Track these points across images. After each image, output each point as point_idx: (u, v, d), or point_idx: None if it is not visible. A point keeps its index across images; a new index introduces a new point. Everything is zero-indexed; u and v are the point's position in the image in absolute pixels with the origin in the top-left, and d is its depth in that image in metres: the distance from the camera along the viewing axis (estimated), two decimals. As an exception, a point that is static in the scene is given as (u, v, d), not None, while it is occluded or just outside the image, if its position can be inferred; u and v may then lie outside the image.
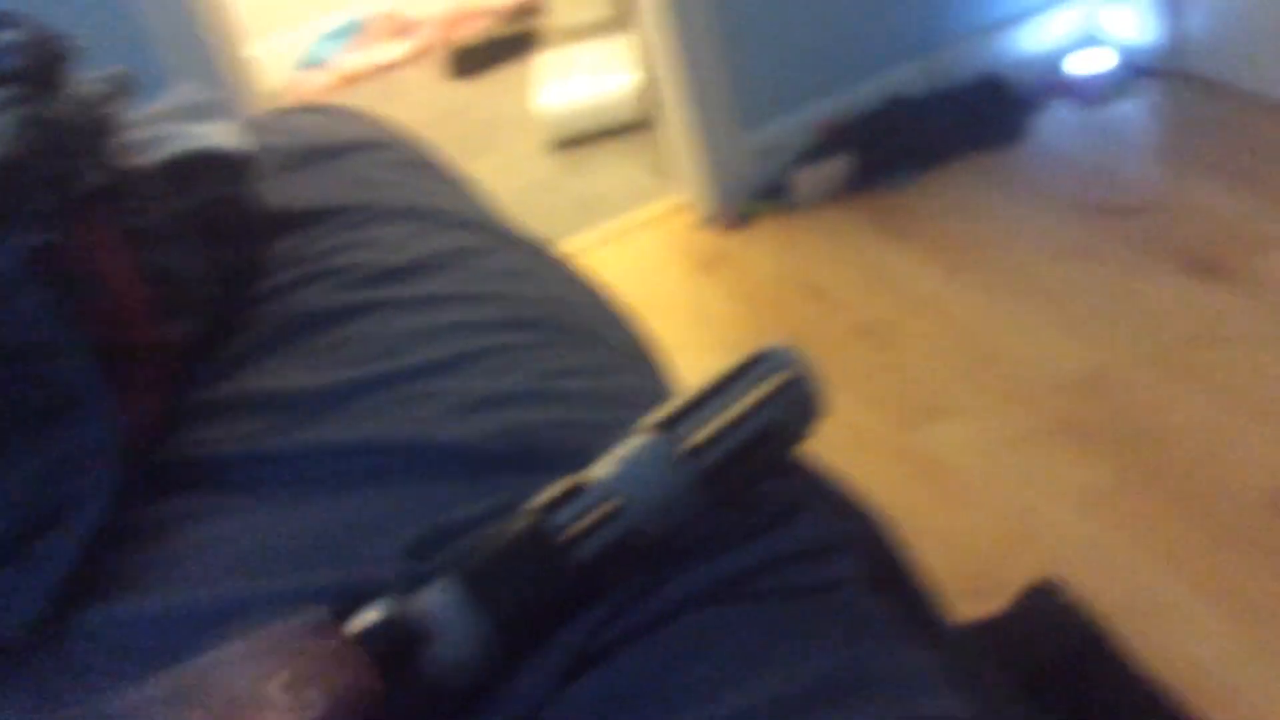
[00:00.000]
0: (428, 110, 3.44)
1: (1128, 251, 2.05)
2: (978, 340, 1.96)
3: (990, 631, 1.34)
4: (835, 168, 2.44)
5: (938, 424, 1.81)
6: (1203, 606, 1.41)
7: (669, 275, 2.40)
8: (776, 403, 0.62)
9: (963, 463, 1.73)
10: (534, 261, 0.96)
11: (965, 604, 1.47)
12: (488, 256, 0.92)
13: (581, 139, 2.97)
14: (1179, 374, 1.76)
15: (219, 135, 1.00)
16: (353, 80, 3.77)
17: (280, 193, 1.03)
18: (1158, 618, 1.42)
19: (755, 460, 0.62)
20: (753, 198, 2.49)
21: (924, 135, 2.44)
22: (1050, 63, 2.59)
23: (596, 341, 0.84)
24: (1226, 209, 2.07)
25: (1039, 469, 1.68)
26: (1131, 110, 2.46)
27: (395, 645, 0.51)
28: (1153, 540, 1.52)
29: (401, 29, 3.89)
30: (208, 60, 2.04)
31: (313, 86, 3.76)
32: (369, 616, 0.53)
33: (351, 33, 3.93)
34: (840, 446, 1.82)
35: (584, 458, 0.62)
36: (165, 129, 0.99)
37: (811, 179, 2.45)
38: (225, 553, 0.69)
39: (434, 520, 0.63)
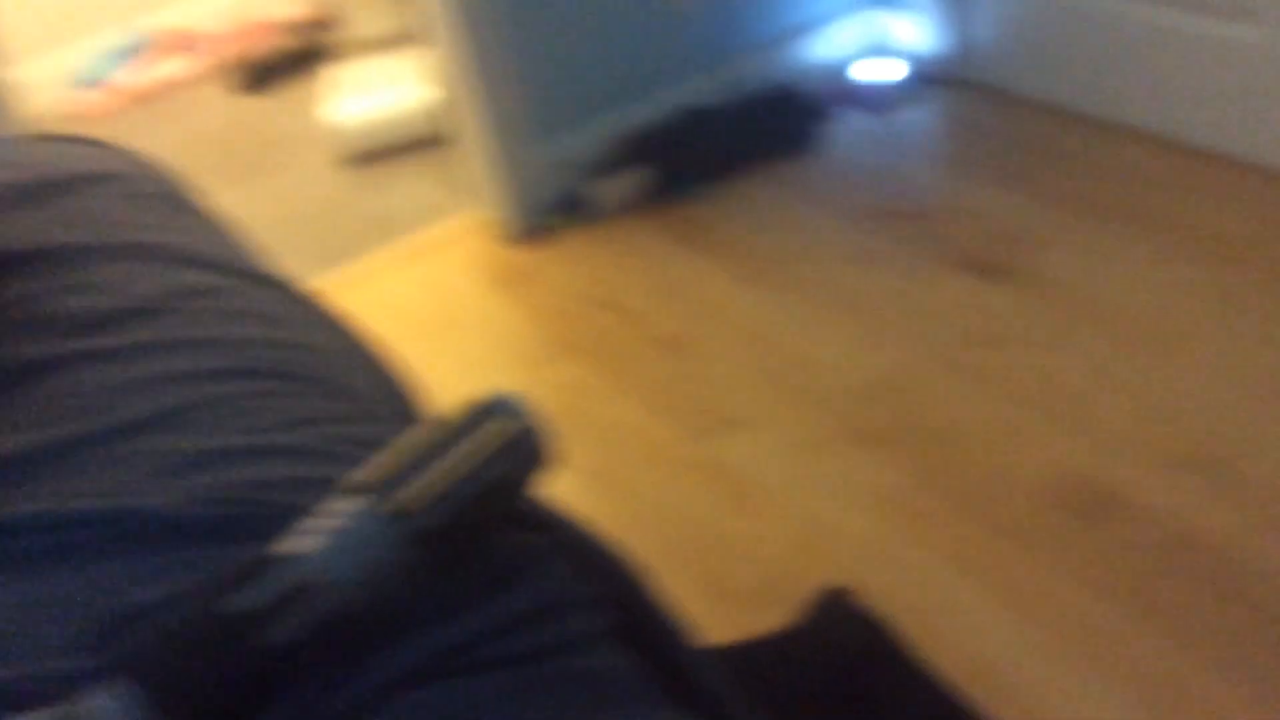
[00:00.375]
0: (215, 127, 3.30)
1: (915, 255, 2.09)
2: (773, 348, 1.97)
3: (784, 641, 1.34)
4: (632, 180, 2.43)
5: (734, 433, 1.81)
6: (988, 603, 1.44)
7: (467, 292, 2.34)
8: (500, 456, 0.58)
9: (759, 471, 1.73)
10: (272, 301, 0.89)
11: (763, 613, 1.47)
12: (215, 297, 0.85)
13: (375, 155, 2.89)
14: (965, 374, 1.80)
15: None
16: (134, 98, 3.58)
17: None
18: (947, 616, 1.44)
19: (478, 519, 0.58)
20: (551, 212, 2.46)
21: (718, 146, 2.45)
22: (840, 72, 2.64)
23: (336, 389, 0.79)
24: (1005, 212, 2.14)
25: (833, 474, 1.69)
26: (919, 118, 2.52)
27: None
28: (942, 540, 1.54)
29: (187, 44, 3.72)
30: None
31: (91, 106, 3.56)
32: (22, 728, 0.46)
33: (134, 49, 3.74)
34: (638, 459, 1.81)
35: (295, 521, 0.57)
36: None
37: (608, 191, 2.43)
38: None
39: (112, 604, 0.56)
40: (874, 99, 2.55)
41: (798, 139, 2.48)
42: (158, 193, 1.06)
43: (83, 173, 1.09)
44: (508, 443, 0.59)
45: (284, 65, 3.48)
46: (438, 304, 2.33)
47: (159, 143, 3.23)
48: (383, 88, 2.89)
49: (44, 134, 1.28)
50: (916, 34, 2.58)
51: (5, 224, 0.99)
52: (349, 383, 0.81)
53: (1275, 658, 1.31)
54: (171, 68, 3.63)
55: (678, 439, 1.82)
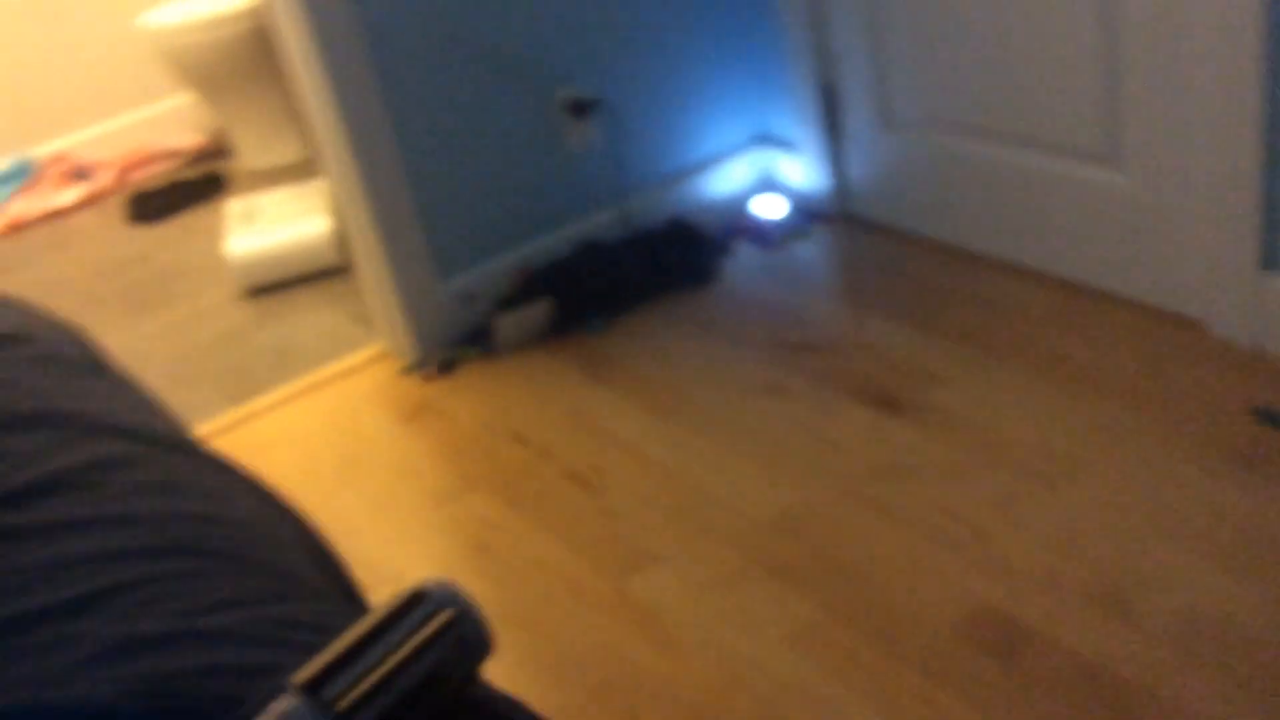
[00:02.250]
0: (105, 259, 3.25)
1: (815, 389, 2.14)
2: (680, 483, 1.98)
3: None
4: (534, 313, 2.45)
5: (649, 570, 1.81)
6: (905, 745, 1.44)
7: (372, 426, 2.32)
8: (438, 646, 0.58)
9: (673, 609, 1.72)
10: (190, 469, 0.87)
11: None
12: (132, 469, 0.83)
13: (275, 286, 2.87)
14: (870, 507, 1.83)
15: None
16: (20, 227, 3.52)
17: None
18: (865, 760, 1.44)
19: (418, 713, 0.57)
20: (454, 344, 2.46)
21: (618, 279, 2.49)
22: (734, 207, 2.71)
23: (254, 565, 0.77)
24: (899, 346, 2.21)
25: (748, 609, 1.69)
26: (808, 252, 2.60)
27: None
28: (858, 676, 1.55)
29: (76, 172, 3.68)
30: None
31: (-26, 235, 3.49)
32: None
33: (20, 176, 3.68)
34: (553, 598, 1.79)
35: (232, 712, 0.55)
36: None
37: (511, 325, 2.44)
38: None
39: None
40: (767, 234, 2.63)
41: (697, 272, 2.53)
42: (63, 356, 1.03)
43: (-13, 331, 1.06)
44: (443, 631, 0.59)
45: (179, 195, 3.46)
46: (342, 438, 2.30)
47: (51, 274, 3.17)
48: (281, 219, 2.89)
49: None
50: (802, 173, 2.67)
51: (-97, 386, 0.96)
52: (276, 556, 0.79)
53: (1183, 790, 1.33)
54: (63, 197, 3.58)
55: (593, 576, 1.81)
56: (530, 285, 2.49)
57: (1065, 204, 2.21)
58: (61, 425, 0.87)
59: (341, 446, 2.28)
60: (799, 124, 2.63)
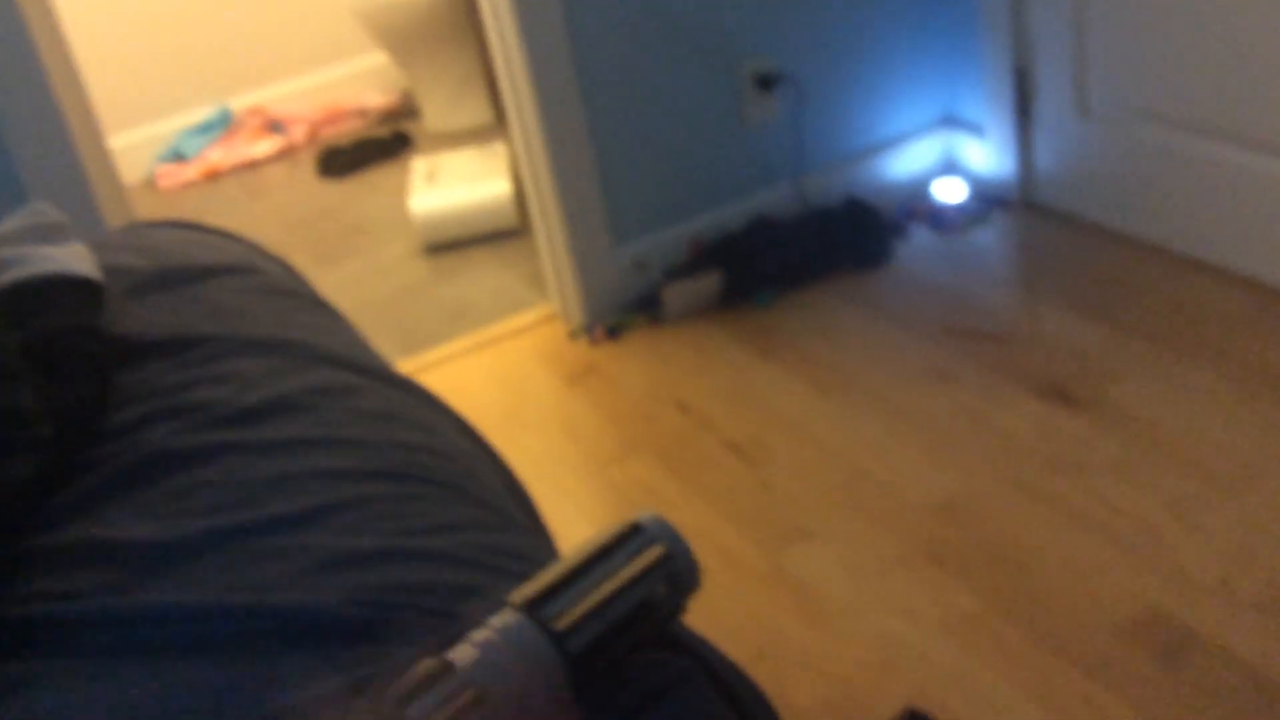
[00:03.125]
0: (295, 210, 3.39)
1: (985, 376, 2.10)
2: (842, 461, 1.98)
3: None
4: (704, 284, 2.47)
5: (806, 546, 1.82)
6: (1063, 740, 1.43)
7: (538, 386, 2.38)
8: (650, 578, 0.60)
9: (829, 587, 1.73)
10: (400, 401, 0.92)
11: (833, 739, 1.47)
12: (353, 397, 0.88)
13: (453, 245, 2.96)
14: (1037, 500, 1.80)
15: (69, 259, 0.95)
16: (217, 175, 3.70)
17: (132, 320, 0.98)
18: (1020, 750, 1.42)
19: (628, 639, 0.60)
20: (623, 310, 2.50)
21: (791, 255, 2.49)
22: (913, 190, 2.68)
23: (463, 493, 0.81)
24: (1077, 338, 2.15)
25: (903, 594, 1.69)
26: (987, 239, 2.55)
27: None
28: (1014, 668, 1.53)
29: (270, 125, 3.84)
30: (68, 151, 1.96)
31: (175, 180, 3.68)
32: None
33: (218, 127, 3.86)
34: (710, 566, 1.81)
35: (444, 631, 0.59)
36: (13, 251, 0.93)
37: (681, 294, 2.47)
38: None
39: (277, 702, 0.58)
40: (945, 218, 2.59)
41: (871, 254, 2.52)
42: (287, 288, 1.10)
43: (212, 263, 1.13)
44: (657, 564, 0.61)
45: (366, 152, 3.58)
46: (508, 396, 2.36)
47: (245, 222, 3.32)
48: (463, 179, 2.97)
49: (171, 221, 1.33)
50: (987, 157, 2.62)
51: (138, 310, 1.03)
52: (484, 489, 0.83)
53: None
54: (257, 148, 3.75)
55: (748, 547, 1.83)
56: (701, 256, 2.51)
57: (1267, 202, 2.12)
58: (289, 352, 0.93)
59: (507, 404, 2.34)
60: (988, 107, 2.58)
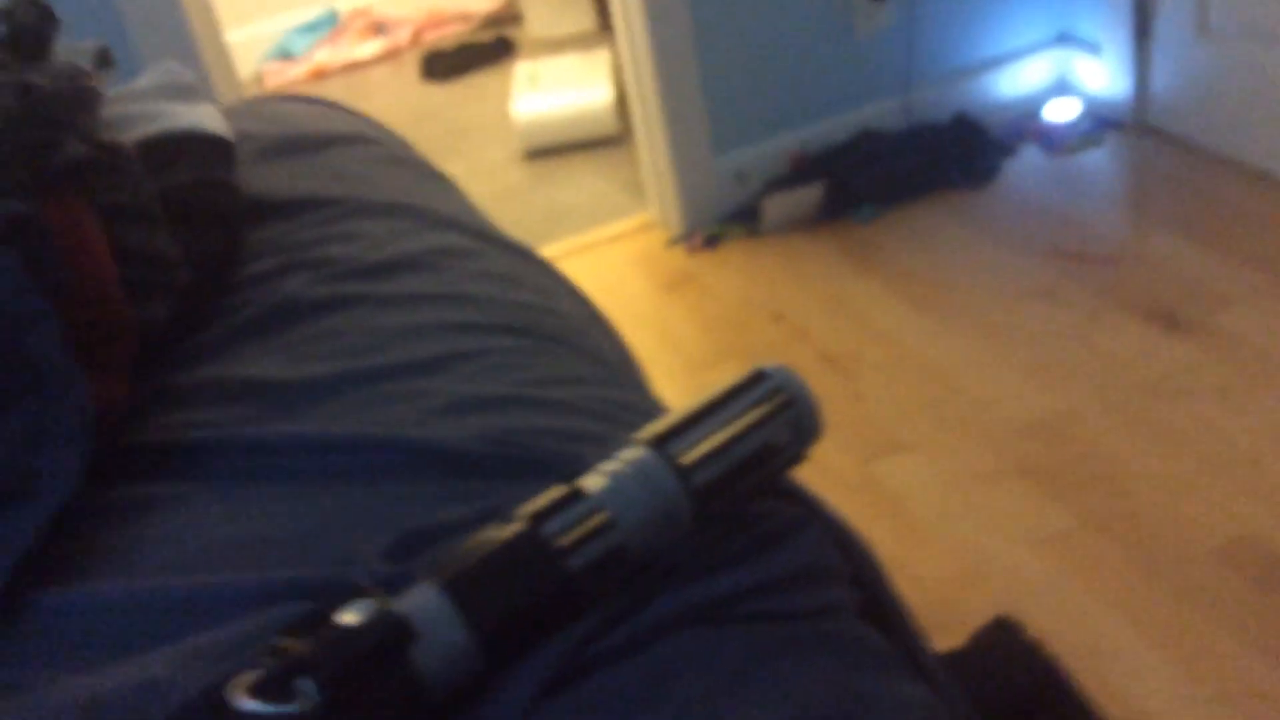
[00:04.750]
0: (399, 111, 3.42)
1: (1090, 298, 2.07)
2: (938, 376, 1.97)
3: (949, 666, 1.34)
4: (805, 196, 2.45)
5: (897, 458, 1.82)
6: (1153, 655, 1.42)
7: (634, 292, 2.39)
8: (773, 424, 0.61)
9: (921, 498, 1.73)
10: (519, 266, 0.94)
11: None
12: (472, 259, 0.90)
13: (554, 150, 2.96)
14: (1138, 422, 1.78)
15: (202, 117, 0.97)
16: (323, 75, 3.74)
17: (260, 181, 1.00)
18: (1110, 662, 1.42)
19: (749, 481, 0.61)
20: (722, 220, 2.49)
21: (895, 170, 2.46)
22: (1022, 108, 2.62)
23: (581, 351, 0.83)
24: (1187, 264, 2.10)
25: (996, 509, 1.68)
26: (1098, 160, 2.49)
27: (380, 644, 0.49)
28: (1106, 586, 1.53)
29: (376, 27, 3.86)
30: (186, 44, 2.00)
31: (282, 79, 3.72)
32: (351, 615, 0.51)
33: (325, 27, 3.90)
34: (802, 475, 1.82)
35: (569, 467, 0.60)
36: (147, 107, 0.96)
37: (781, 206, 2.45)
38: (191, 543, 0.66)
39: (414, 523, 0.61)
40: (1056, 138, 2.53)
41: (977, 171, 2.47)
42: (405, 158, 1.12)
43: (332, 132, 1.16)
44: (780, 410, 0.62)
45: (468, 56, 3.59)
46: (605, 301, 2.35)
47: (347, 120, 3.35)
48: (567, 85, 2.97)
49: (285, 94, 1.36)
50: (1102, 77, 2.55)
51: (264, 172, 1.06)
52: (598, 348, 0.85)
53: None
54: (362, 49, 3.78)
55: (841, 458, 1.84)
56: (803, 169, 2.49)
57: (1397, 131, 2.04)
58: (412, 215, 0.95)
59: (604, 308, 2.35)
60: (1105, 25, 2.50)
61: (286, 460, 0.69)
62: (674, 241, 2.50)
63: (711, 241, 2.46)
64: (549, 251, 2.55)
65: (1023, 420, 1.83)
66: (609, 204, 2.70)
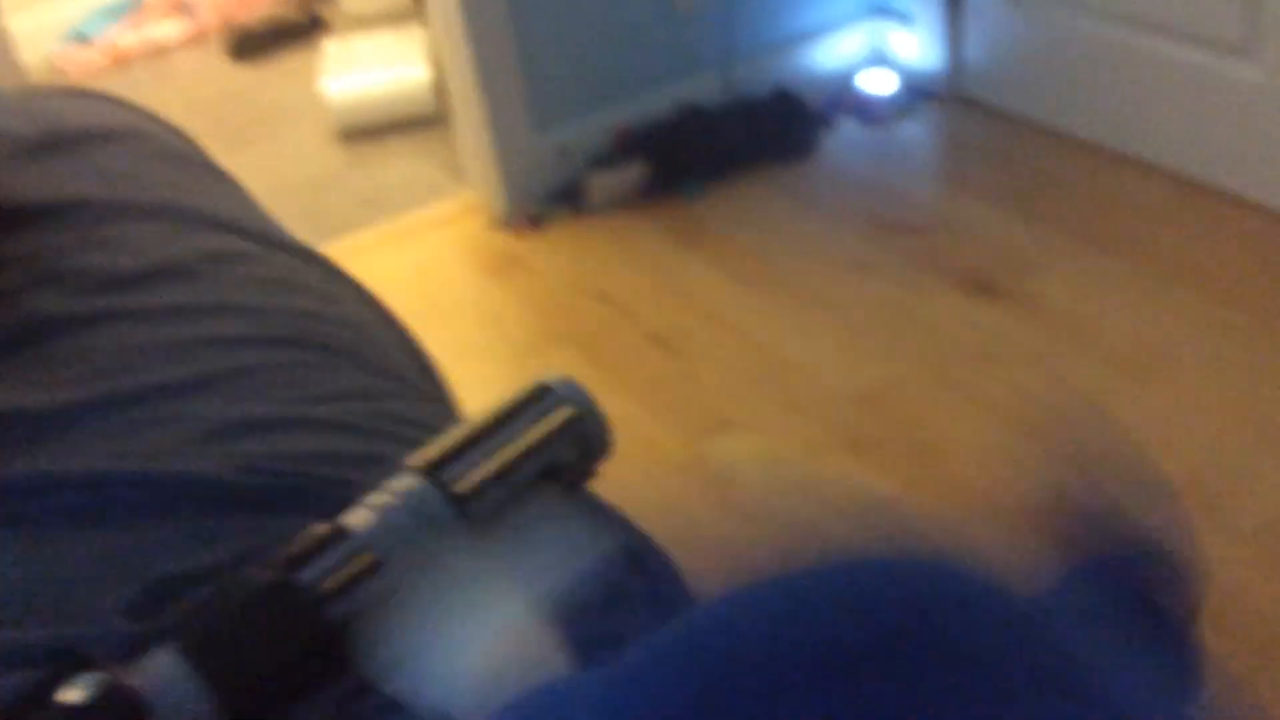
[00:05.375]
0: (206, 94, 3.25)
1: (908, 269, 2.10)
2: (765, 352, 1.97)
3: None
4: (629, 174, 2.42)
5: (724, 435, 1.81)
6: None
7: (458, 276, 2.32)
8: (558, 442, 0.57)
9: (748, 474, 1.73)
10: (301, 270, 0.87)
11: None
12: (246, 263, 0.84)
13: (370, 131, 2.86)
14: (955, 389, 1.81)
15: (-62, 115, 0.88)
16: (124, 59, 3.53)
17: (16, 183, 0.91)
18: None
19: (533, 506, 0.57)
20: (545, 200, 2.44)
21: (717, 145, 2.45)
22: (840, 81, 2.64)
23: (365, 362, 0.77)
24: (1000, 231, 2.15)
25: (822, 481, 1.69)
26: (914, 131, 2.53)
27: (107, 725, 0.44)
28: (930, 555, 1.54)
29: (179, 7, 3.67)
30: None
31: (78, 64, 3.51)
32: (75, 692, 0.45)
33: (125, 9, 3.68)
34: (630, 454, 1.79)
35: (341, 496, 0.55)
36: None
37: (605, 184, 2.42)
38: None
39: (161, 570, 0.55)
40: (872, 110, 2.56)
41: (797, 145, 2.48)
42: (180, 153, 1.04)
43: (99, 127, 1.06)
44: (565, 426, 0.58)
45: (278, 35, 3.44)
46: (427, 286, 2.31)
47: (150, 105, 3.18)
48: (381, 64, 2.87)
49: (53, 86, 1.25)
50: (915, 48, 2.58)
51: (20, 174, 0.97)
52: (383, 357, 0.80)
53: None
54: (164, 30, 3.58)
55: (670, 438, 1.82)
56: (627, 145, 2.45)
57: (1193, 96, 2.11)
58: (180, 217, 0.87)
59: (425, 294, 2.29)
60: (917, -4, 2.54)
61: (18, 502, 0.62)
62: (497, 223, 2.44)
63: (536, 222, 2.41)
64: (366, 237, 2.46)
65: (848, 392, 1.85)
66: (429, 186, 2.62)
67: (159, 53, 3.54)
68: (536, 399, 0.59)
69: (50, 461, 0.66)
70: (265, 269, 0.84)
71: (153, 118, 1.14)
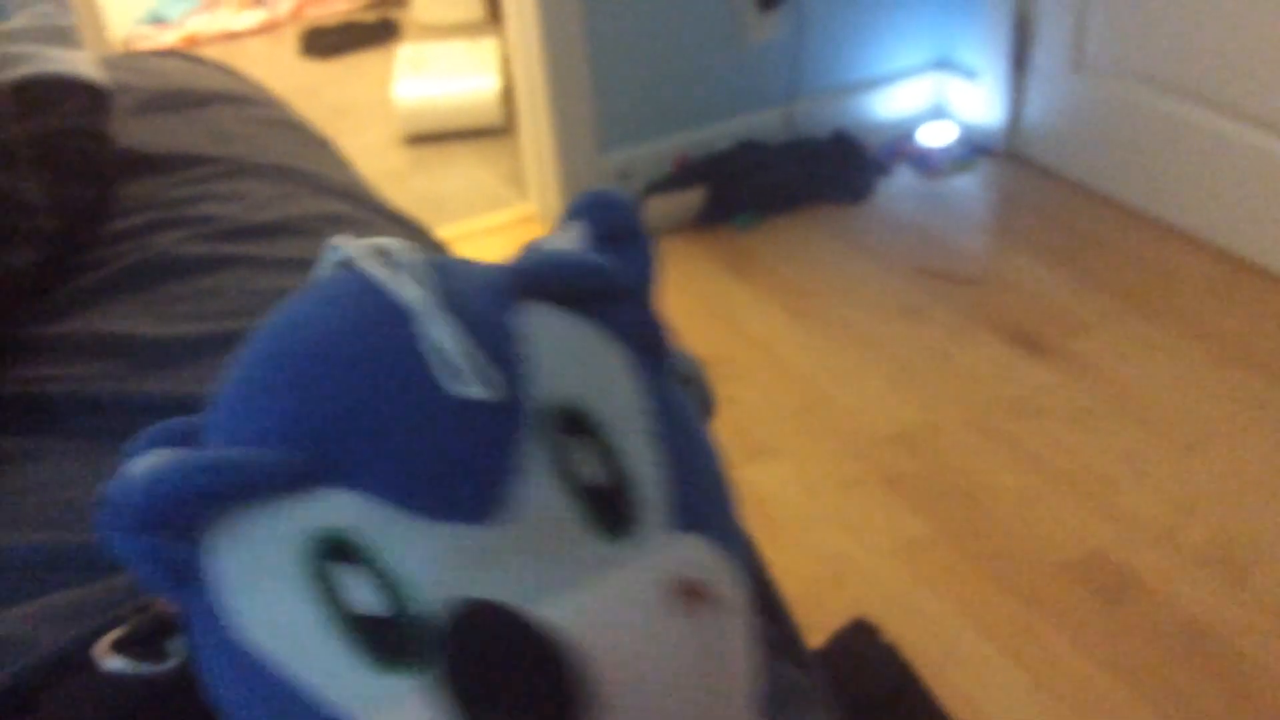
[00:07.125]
0: (275, 85, 3.29)
1: (955, 318, 2.13)
2: (807, 385, 2.00)
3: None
4: (686, 200, 2.47)
5: (763, 462, 1.84)
6: (1001, 662, 1.47)
7: (510, 284, 2.36)
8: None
9: (783, 503, 1.75)
10: (406, 238, 0.92)
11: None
12: (360, 229, 0.88)
13: (436, 136, 2.92)
14: (995, 438, 1.84)
15: (78, 63, 0.93)
16: (197, 43, 3.61)
17: (137, 134, 0.96)
18: (959, 668, 1.46)
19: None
20: (602, 219, 2.48)
21: (774, 181, 2.49)
22: (899, 130, 2.69)
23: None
24: (1047, 289, 2.18)
25: (857, 516, 1.72)
26: (969, 185, 2.57)
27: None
28: (959, 594, 1.57)
29: (258, -1, 3.76)
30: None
31: (154, 44, 3.59)
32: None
33: (201, -6, 3.77)
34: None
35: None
36: (19, 48, 0.91)
37: (662, 208, 2.46)
38: (38, 501, 0.63)
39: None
40: (928, 161, 2.60)
41: (853, 188, 2.52)
42: (288, 122, 1.08)
43: (217, 90, 1.11)
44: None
45: (350, 35, 3.52)
46: (480, 290, 2.35)
47: (221, 90, 3.25)
48: (450, 71, 2.93)
49: (170, 50, 1.31)
50: (977, 104, 2.63)
51: (143, 127, 1.01)
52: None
53: (1274, 754, 1.34)
54: (242, 20, 3.66)
55: (709, 455, 1.85)
56: (686, 173, 2.50)
57: (1249, 176, 2.15)
58: (290, 179, 0.92)
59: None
60: (984, 53, 2.58)
61: (150, 420, 0.66)
62: (553, 236, 2.48)
63: (590, 239, 2.45)
64: (425, 238, 2.51)
65: (886, 431, 1.88)
66: (488, 195, 2.68)
67: (232, 40, 3.63)
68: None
69: (170, 386, 0.70)
70: (377, 233, 0.88)
71: (261, 89, 1.19)
